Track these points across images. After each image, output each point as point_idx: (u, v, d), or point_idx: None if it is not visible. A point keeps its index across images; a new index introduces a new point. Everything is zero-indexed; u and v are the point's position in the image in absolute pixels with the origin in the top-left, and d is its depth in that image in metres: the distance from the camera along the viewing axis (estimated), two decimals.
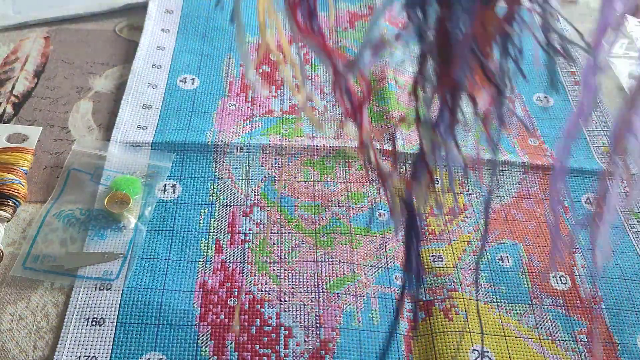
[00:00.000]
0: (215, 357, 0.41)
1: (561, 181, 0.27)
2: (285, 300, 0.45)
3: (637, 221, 0.55)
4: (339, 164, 0.55)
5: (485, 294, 0.47)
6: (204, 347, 0.42)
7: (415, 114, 0.27)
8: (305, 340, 0.43)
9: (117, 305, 0.43)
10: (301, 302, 0.45)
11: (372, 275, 0.47)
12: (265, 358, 0.42)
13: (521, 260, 0.50)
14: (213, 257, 0.47)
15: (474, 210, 0.53)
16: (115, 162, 0.52)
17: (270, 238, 0.49)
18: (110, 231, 0.48)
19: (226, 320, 0.44)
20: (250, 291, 0.45)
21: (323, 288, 0.46)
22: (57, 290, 0.45)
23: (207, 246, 0.48)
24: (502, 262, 0.50)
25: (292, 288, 0.46)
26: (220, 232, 0.49)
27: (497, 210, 0.54)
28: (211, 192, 0.52)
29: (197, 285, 0.45)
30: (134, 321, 0.43)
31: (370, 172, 0.55)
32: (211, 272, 0.46)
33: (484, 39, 0.25)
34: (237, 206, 0.51)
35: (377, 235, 0.50)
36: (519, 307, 0.47)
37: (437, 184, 0.55)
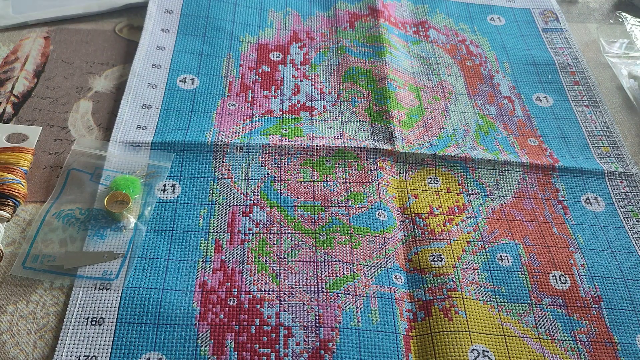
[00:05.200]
0: (215, 356, 0.41)
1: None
2: (284, 300, 0.45)
3: (637, 221, 0.55)
4: (339, 164, 0.55)
5: (485, 294, 0.47)
6: (203, 346, 0.42)
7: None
8: (304, 340, 0.43)
9: (117, 305, 0.43)
10: (301, 302, 0.45)
11: (371, 275, 0.47)
12: (264, 358, 0.42)
13: (521, 260, 0.50)
14: (212, 257, 0.47)
15: (473, 210, 0.53)
16: (114, 162, 0.52)
17: (270, 238, 0.49)
18: (109, 231, 0.48)
19: (226, 320, 0.44)
20: (249, 291, 0.45)
21: (322, 288, 0.46)
22: (56, 290, 0.45)
23: (207, 246, 0.48)
24: (502, 261, 0.50)
25: (292, 288, 0.46)
26: (220, 232, 0.49)
27: (496, 210, 0.54)
28: (211, 192, 0.52)
29: (196, 285, 0.45)
30: (133, 321, 0.43)
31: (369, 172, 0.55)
32: (211, 272, 0.46)
33: None
34: (237, 206, 0.51)
35: (377, 235, 0.50)
36: (518, 306, 0.47)
37: (437, 184, 0.55)
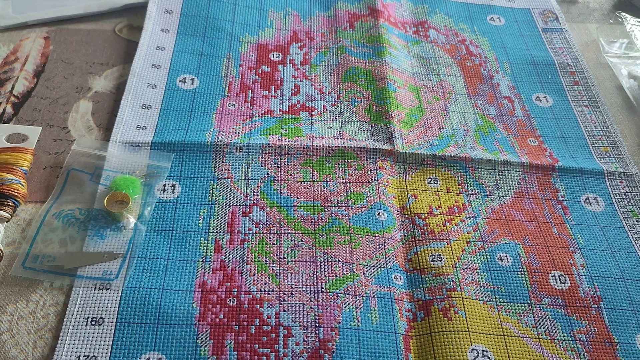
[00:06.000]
0: (215, 356, 0.42)
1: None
2: (284, 300, 0.45)
3: (637, 221, 0.55)
4: (338, 164, 0.55)
5: (485, 294, 0.47)
6: (203, 346, 0.42)
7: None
8: (304, 340, 0.43)
9: (117, 305, 0.43)
10: (300, 302, 0.45)
11: (371, 275, 0.47)
12: (264, 357, 0.42)
13: (520, 259, 0.50)
14: (212, 257, 0.47)
15: (472, 210, 0.53)
16: (114, 162, 0.52)
17: (270, 238, 0.49)
18: (109, 231, 0.48)
19: (225, 319, 0.44)
20: (249, 291, 0.45)
21: (322, 288, 0.46)
22: (56, 290, 0.45)
23: (207, 246, 0.48)
24: (502, 261, 0.50)
25: (292, 288, 0.46)
26: (220, 232, 0.49)
27: (496, 210, 0.54)
28: (210, 192, 0.52)
29: (196, 285, 0.45)
30: (133, 321, 0.43)
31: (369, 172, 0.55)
32: (210, 272, 0.46)
33: None
34: (237, 206, 0.51)
35: (377, 235, 0.50)
36: (518, 306, 0.47)
37: (437, 184, 0.55)
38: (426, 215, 0.52)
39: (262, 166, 0.54)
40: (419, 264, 0.49)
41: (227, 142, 0.55)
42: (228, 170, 0.53)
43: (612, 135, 0.62)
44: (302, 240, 0.49)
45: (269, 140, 0.56)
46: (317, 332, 0.43)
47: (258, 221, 0.50)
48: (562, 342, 0.45)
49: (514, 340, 0.45)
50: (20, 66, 0.62)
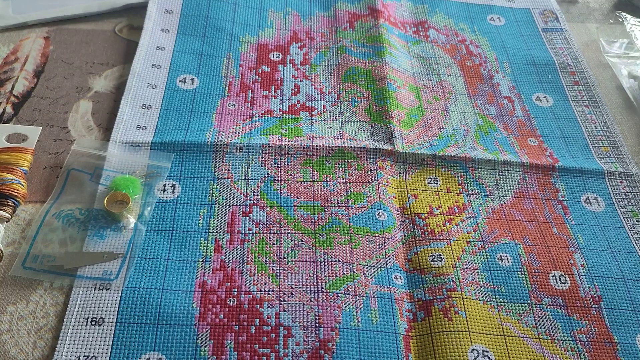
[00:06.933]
0: (215, 356, 0.41)
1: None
2: (284, 300, 0.45)
3: (637, 221, 0.55)
4: (338, 164, 0.55)
5: (485, 294, 0.47)
6: (203, 346, 0.42)
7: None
8: (304, 340, 0.43)
9: (117, 305, 0.43)
10: (300, 302, 0.45)
11: (371, 275, 0.47)
12: (264, 358, 0.42)
13: (520, 259, 0.50)
14: (212, 257, 0.47)
15: (473, 210, 0.53)
16: (114, 162, 0.52)
17: (270, 238, 0.49)
18: (109, 231, 0.48)
19: (225, 320, 0.44)
20: (249, 291, 0.45)
21: (322, 288, 0.46)
22: (56, 290, 0.45)
23: (207, 246, 0.48)
24: (502, 261, 0.50)
25: (292, 288, 0.46)
26: (220, 232, 0.49)
27: (496, 210, 0.54)
28: (210, 192, 0.52)
29: (196, 285, 0.45)
30: (133, 321, 0.43)
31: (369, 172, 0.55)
32: (210, 272, 0.46)
33: None
34: (237, 206, 0.51)
35: (377, 235, 0.50)
36: (518, 306, 0.47)
37: (437, 184, 0.55)
38: (426, 215, 0.52)
39: (262, 166, 0.54)
40: (419, 264, 0.49)
41: (227, 142, 0.55)
42: (228, 170, 0.53)
43: (612, 135, 0.62)
44: (302, 241, 0.49)
45: (269, 140, 0.56)
46: (317, 332, 0.43)
47: (258, 221, 0.50)
48: (562, 342, 0.45)
49: (515, 341, 0.45)
50: (20, 66, 0.62)
